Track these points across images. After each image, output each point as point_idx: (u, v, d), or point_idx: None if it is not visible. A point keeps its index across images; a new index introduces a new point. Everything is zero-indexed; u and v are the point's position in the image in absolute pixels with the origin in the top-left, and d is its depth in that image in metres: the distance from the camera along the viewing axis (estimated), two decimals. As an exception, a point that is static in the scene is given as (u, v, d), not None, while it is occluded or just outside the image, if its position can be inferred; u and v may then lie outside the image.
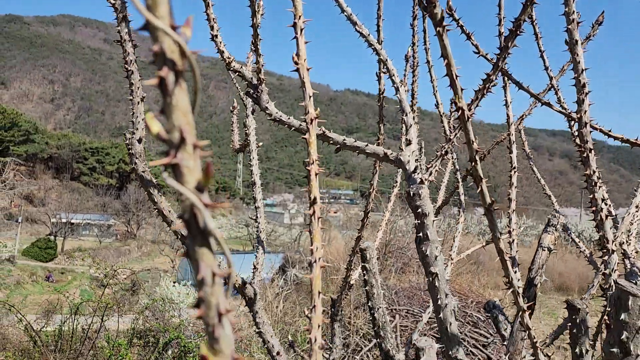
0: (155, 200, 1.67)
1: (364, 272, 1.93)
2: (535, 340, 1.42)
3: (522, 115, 2.43)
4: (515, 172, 1.99)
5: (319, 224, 0.97)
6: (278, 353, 1.91)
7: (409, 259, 13.76)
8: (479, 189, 1.24)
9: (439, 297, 1.17)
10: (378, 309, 1.89)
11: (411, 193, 1.17)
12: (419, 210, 1.16)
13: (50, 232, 53.36)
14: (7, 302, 6.67)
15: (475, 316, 9.65)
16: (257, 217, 2.08)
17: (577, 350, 1.37)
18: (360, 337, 10.21)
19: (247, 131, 2.16)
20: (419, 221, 1.17)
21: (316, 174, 0.99)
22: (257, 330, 1.91)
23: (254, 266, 1.99)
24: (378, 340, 1.86)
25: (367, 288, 1.92)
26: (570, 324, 1.37)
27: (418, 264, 12.44)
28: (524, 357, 1.73)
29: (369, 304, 1.91)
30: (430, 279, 1.17)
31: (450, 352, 1.19)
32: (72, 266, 45.45)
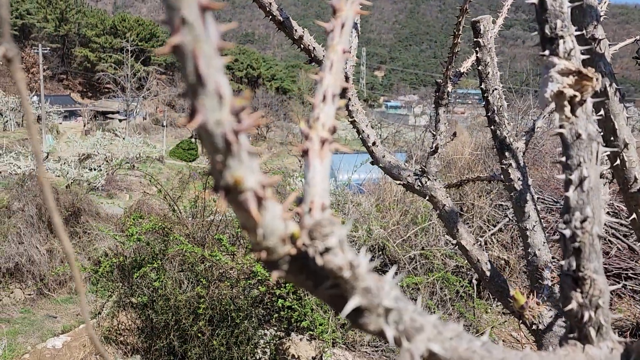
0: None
1: (476, 48, 1.60)
2: None
3: None
4: None
5: None
6: (374, 143, 1.71)
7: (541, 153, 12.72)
8: None
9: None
10: (493, 90, 1.57)
11: None
12: None
13: (191, 135, 58.05)
14: (147, 173, 7.32)
15: (616, 206, 8.92)
16: None
17: None
18: (485, 222, 9.89)
19: None
20: None
21: None
22: (350, 119, 1.71)
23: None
24: (492, 127, 1.57)
25: (479, 68, 1.60)
26: None
27: (552, 159, 11.43)
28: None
29: (482, 86, 1.60)
30: None
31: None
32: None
